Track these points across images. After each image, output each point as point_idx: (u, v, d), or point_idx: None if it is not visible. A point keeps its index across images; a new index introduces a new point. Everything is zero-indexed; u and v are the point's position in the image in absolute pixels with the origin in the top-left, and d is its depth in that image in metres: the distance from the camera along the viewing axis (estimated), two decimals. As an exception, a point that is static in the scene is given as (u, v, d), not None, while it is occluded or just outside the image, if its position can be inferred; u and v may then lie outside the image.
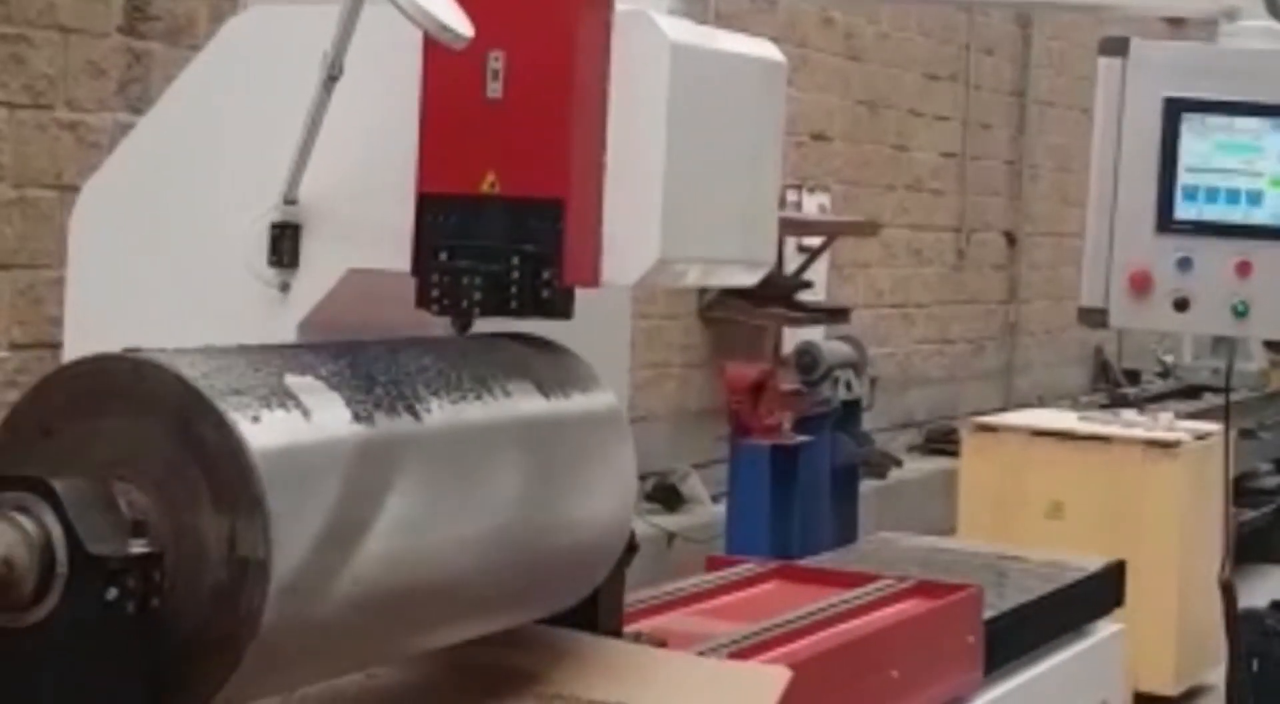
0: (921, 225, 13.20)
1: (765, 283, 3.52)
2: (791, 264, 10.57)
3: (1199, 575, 7.57)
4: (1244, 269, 3.57)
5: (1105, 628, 4.77)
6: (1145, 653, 7.38)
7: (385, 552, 2.54)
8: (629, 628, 3.27)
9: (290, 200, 2.94)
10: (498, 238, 2.83)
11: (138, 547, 2.28)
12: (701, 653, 3.23)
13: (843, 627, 3.68)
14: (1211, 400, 11.80)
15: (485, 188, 2.85)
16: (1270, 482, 12.04)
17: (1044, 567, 4.74)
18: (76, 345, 3.10)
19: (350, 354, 2.66)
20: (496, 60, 2.83)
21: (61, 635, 2.25)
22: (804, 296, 10.48)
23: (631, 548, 3.15)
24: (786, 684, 2.99)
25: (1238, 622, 5.34)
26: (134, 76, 6.71)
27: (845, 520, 8.72)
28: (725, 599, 3.98)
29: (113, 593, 2.24)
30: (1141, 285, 3.58)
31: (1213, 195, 3.59)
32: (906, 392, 12.87)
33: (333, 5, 2.85)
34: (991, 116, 14.14)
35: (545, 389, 2.91)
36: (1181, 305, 3.59)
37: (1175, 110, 3.56)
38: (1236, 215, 3.59)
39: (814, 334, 10.03)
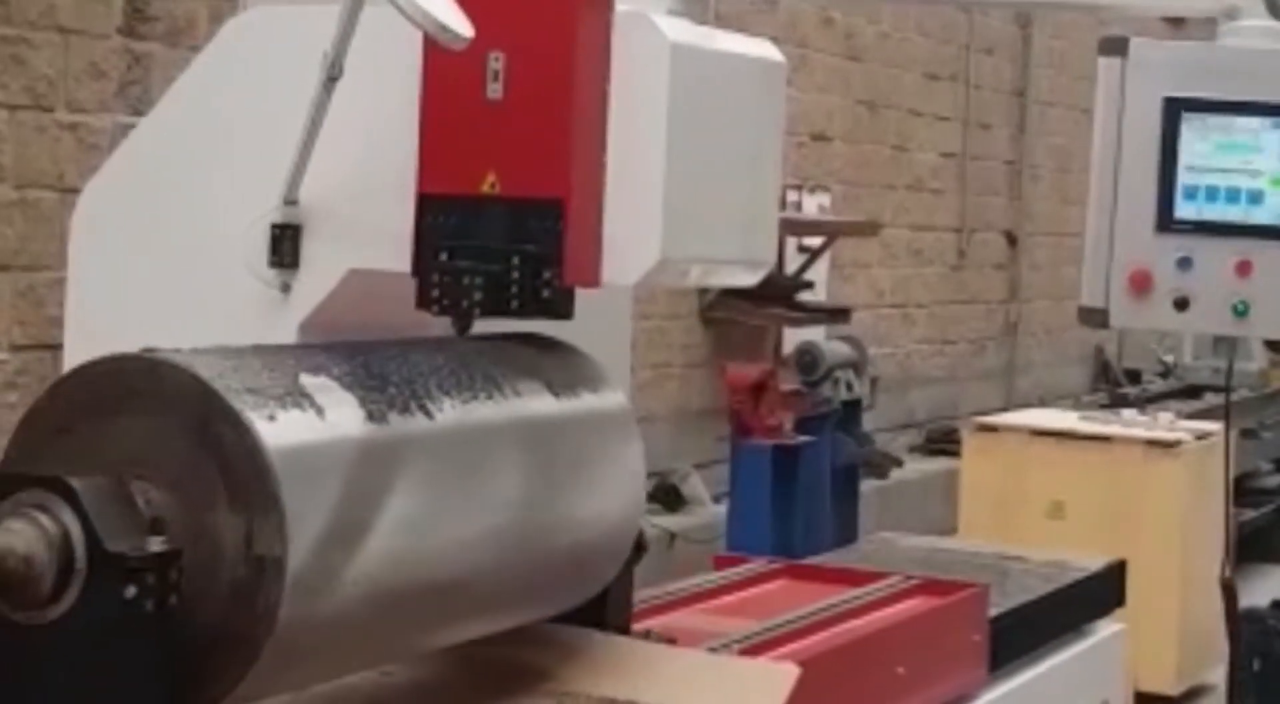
0: (922, 225, 13.20)
1: (766, 283, 3.52)
2: (792, 264, 10.57)
3: (1200, 575, 7.57)
4: (1244, 269, 3.57)
5: (1106, 627, 4.77)
6: (1146, 652, 7.38)
7: (399, 549, 2.56)
8: (638, 626, 3.30)
9: (291, 201, 2.94)
10: (498, 238, 2.83)
11: (156, 544, 2.30)
12: (711, 650, 3.25)
13: (850, 624, 3.70)
14: (1212, 400, 11.81)
15: (485, 188, 2.85)
16: (1271, 481, 12.05)
17: (1045, 566, 4.74)
18: (77, 347, 3.11)
19: (363, 354, 2.68)
20: (496, 61, 2.83)
21: (80, 632, 2.27)
22: (804, 297, 10.48)
23: (640, 546, 3.17)
24: (795, 681, 3.00)
25: (1239, 621, 5.34)
26: (134, 78, 6.71)
27: (846, 520, 8.73)
28: (733, 597, 4.00)
29: (131, 590, 2.26)
30: (1142, 285, 3.58)
31: (1213, 195, 3.58)
32: (907, 392, 12.88)
33: (332, 6, 2.86)
34: (992, 116, 14.15)
35: (555, 389, 2.94)
36: (1182, 305, 3.58)
37: (1175, 110, 3.55)
38: (1237, 215, 3.59)
39: (815, 334, 10.03)
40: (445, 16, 2.69)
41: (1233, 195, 3.59)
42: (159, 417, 2.38)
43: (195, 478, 2.35)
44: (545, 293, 2.82)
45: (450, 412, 2.69)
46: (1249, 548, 10.13)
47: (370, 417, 2.55)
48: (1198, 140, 3.57)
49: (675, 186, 2.90)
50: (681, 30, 2.96)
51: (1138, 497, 8.19)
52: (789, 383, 8.53)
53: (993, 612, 4.09)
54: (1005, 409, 12.05)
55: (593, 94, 2.86)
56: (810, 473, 8.42)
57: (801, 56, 11.03)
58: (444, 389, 2.71)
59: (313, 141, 2.88)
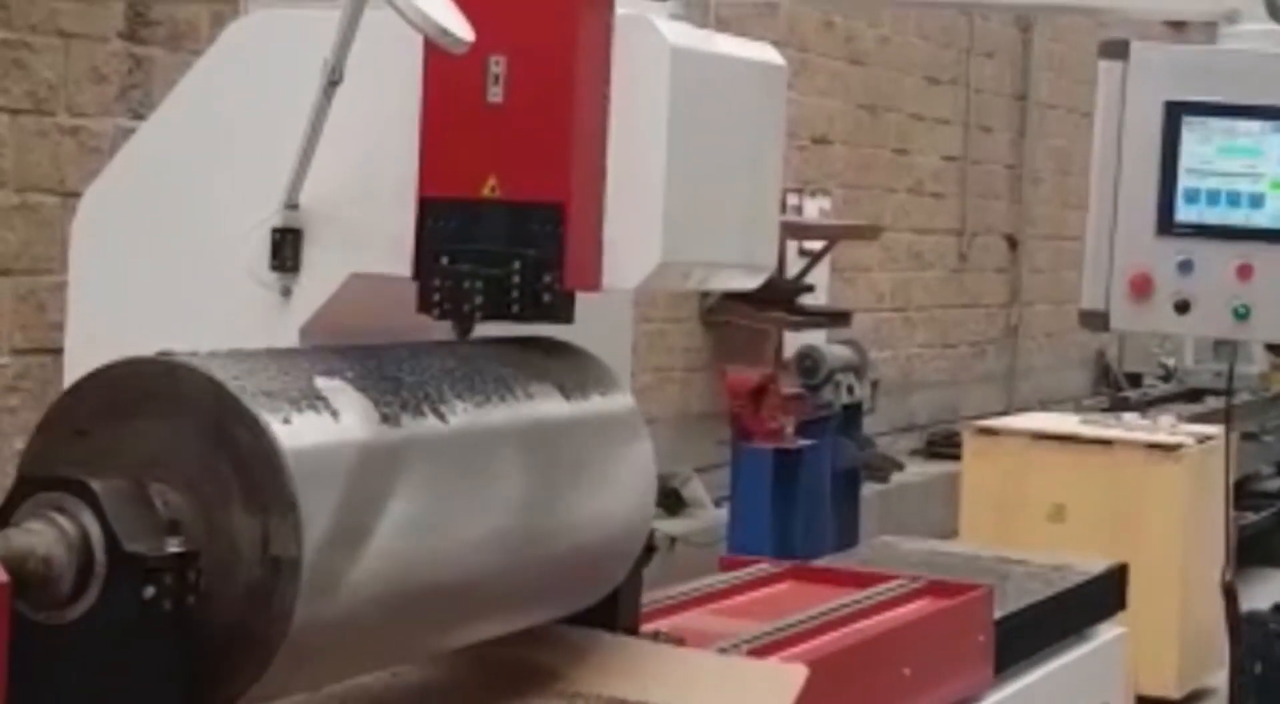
0: (922, 229, 13.21)
1: (766, 286, 3.52)
2: (793, 268, 10.57)
3: (1201, 578, 7.58)
4: (1245, 272, 3.57)
5: (1107, 631, 4.76)
6: (1147, 656, 7.37)
7: (412, 550, 2.58)
8: (647, 627, 3.31)
9: (292, 205, 2.95)
10: (499, 242, 2.83)
11: (174, 545, 2.33)
12: (720, 651, 3.26)
13: (857, 626, 3.71)
14: (1213, 403, 11.81)
15: (486, 192, 2.85)
16: (1272, 484, 12.05)
17: (1046, 570, 4.73)
18: (78, 351, 3.11)
19: (376, 357, 2.70)
20: (497, 65, 2.83)
21: (99, 632, 2.29)
22: (805, 300, 10.49)
23: (650, 547, 3.18)
24: (804, 682, 3.02)
25: (1240, 624, 5.34)
26: (135, 82, 6.71)
27: (847, 524, 8.73)
28: (740, 599, 4.01)
29: (149, 591, 2.29)
30: (1142, 288, 3.58)
31: (1214, 198, 3.58)
32: (908, 395, 12.88)
33: (333, 10, 2.86)
34: (992, 120, 14.15)
35: (566, 391, 2.95)
36: (1182, 308, 3.58)
37: (1176, 113, 3.55)
38: (1238, 218, 3.59)
39: (815, 338, 10.03)
40: (446, 20, 2.69)
41: (1233, 199, 3.59)
42: (176, 419, 2.41)
43: (212, 480, 2.38)
44: (546, 297, 2.83)
45: (462, 414, 2.71)
46: (1250, 551, 10.12)
47: (384, 419, 2.57)
48: (1198, 143, 3.57)
49: (676, 190, 2.90)
50: (682, 34, 2.96)
51: (1139, 500, 8.19)
52: (790, 386, 8.54)
53: (995, 614, 4.09)
54: (1006, 413, 12.06)
55: (593, 98, 2.87)
56: (811, 476, 8.43)
57: (802, 60, 11.03)
58: (456, 392, 2.73)
59: (314, 146, 2.88)
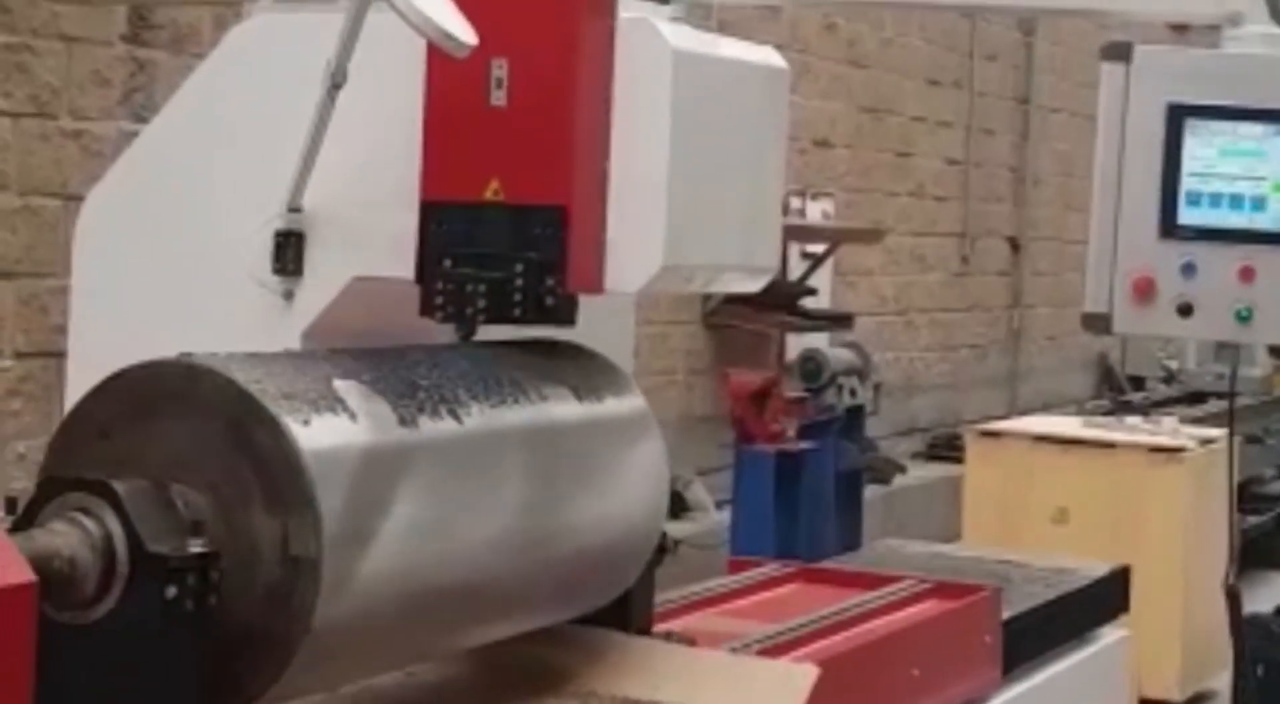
0: (925, 231, 13.20)
1: (769, 289, 3.52)
2: (795, 271, 10.57)
3: (1204, 581, 7.56)
4: (1247, 274, 3.57)
5: (1110, 634, 4.76)
6: (1150, 659, 7.37)
7: (429, 551, 2.61)
8: (658, 627, 3.33)
9: (294, 208, 2.95)
10: (501, 245, 2.83)
11: (196, 546, 2.35)
12: (731, 651, 3.28)
13: (865, 626, 3.73)
14: (1216, 406, 11.80)
15: (489, 195, 2.85)
16: (1275, 487, 12.04)
17: (1049, 572, 4.73)
18: (81, 354, 3.11)
19: (392, 360, 2.72)
20: (500, 68, 2.83)
21: (122, 632, 2.31)
22: (807, 303, 10.48)
23: (662, 548, 3.20)
24: (815, 682, 3.04)
25: (1243, 627, 5.33)
26: (138, 85, 6.72)
27: (849, 527, 8.72)
28: (749, 600, 4.03)
29: (172, 591, 2.31)
30: (1145, 291, 3.58)
31: (1216, 201, 3.59)
32: (910, 398, 12.88)
33: (336, 14, 2.86)
34: (994, 122, 14.15)
35: (579, 393, 2.98)
36: (1185, 311, 3.58)
37: (1178, 116, 3.55)
38: (1240, 221, 3.59)
39: (818, 341, 10.04)
40: (449, 24, 2.69)
41: (1236, 201, 3.59)
42: (197, 421, 2.43)
43: (232, 481, 2.40)
44: (548, 300, 2.83)
45: (478, 416, 2.73)
46: (1253, 554, 10.11)
47: (401, 421, 2.60)
48: (1201, 146, 3.57)
49: (678, 193, 2.91)
50: (684, 37, 2.96)
51: (1141, 503, 8.18)
52: (792, 389, 8.54)
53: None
54: (1008, 415, 12.05)
55: (595, 101, 2.87)
56: (813, 479, 8.42)
57: (804, 63, 11.03)
58: (471, 393, 2.75)
59: (316, 148, 2.88)
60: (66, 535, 2.31)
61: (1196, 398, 12.96)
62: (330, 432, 2.47)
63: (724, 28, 3.39)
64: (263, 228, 2.96)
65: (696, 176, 2.95)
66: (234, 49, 3.12)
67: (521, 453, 2.81)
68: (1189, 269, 3.58)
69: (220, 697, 2.38)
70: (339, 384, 2.55)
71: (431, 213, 2.87)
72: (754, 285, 3.30)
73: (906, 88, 12.77)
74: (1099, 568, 4.89)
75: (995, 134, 14.17)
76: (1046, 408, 13.31)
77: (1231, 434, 5.62)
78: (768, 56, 3.23)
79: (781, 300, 10.06)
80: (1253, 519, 10.93)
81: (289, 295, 2.97)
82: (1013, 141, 14.50)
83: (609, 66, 2.88)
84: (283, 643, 2.39)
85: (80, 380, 3.06)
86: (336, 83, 2.84)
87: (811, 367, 8.72)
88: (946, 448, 12.09)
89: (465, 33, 2.71)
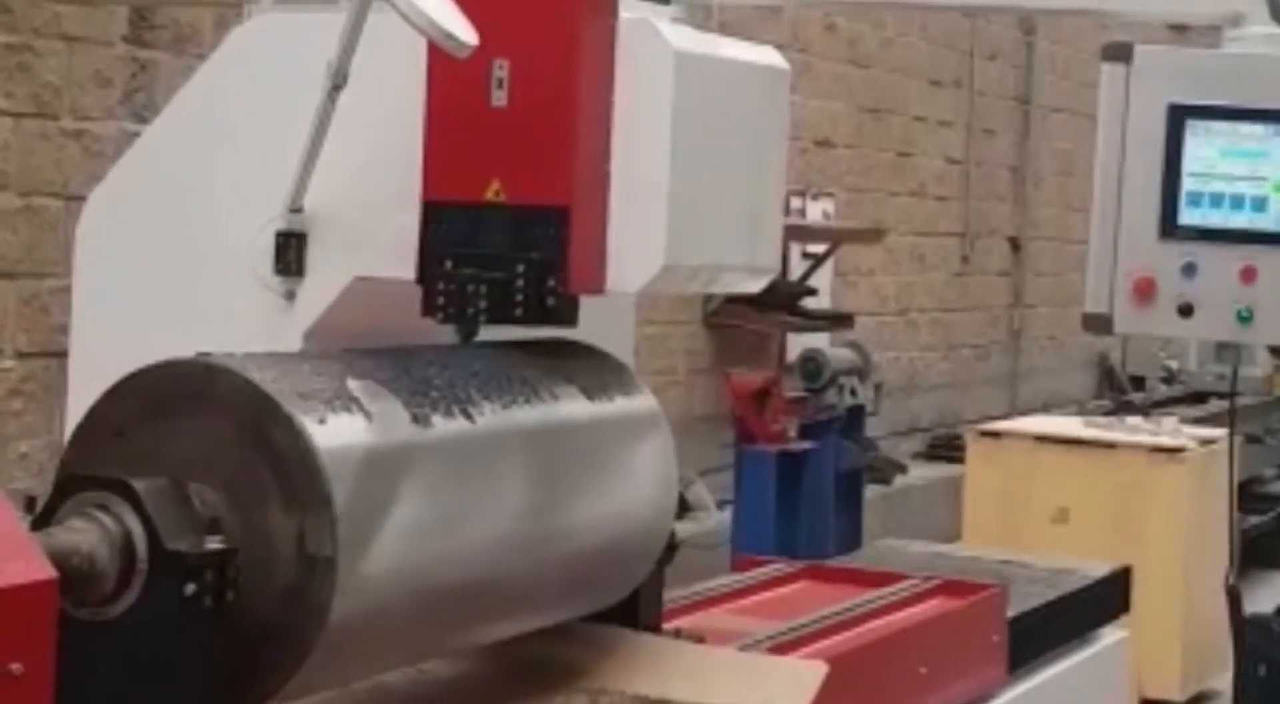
0: (925, 231, 13.20)
1: (769, 289, 3.52)
2: (796, 270, 10.57)
3: (1205, 581, 7.57)
4: (1248, 275, 3.57)
5: (1111, 634, 4.76)
6: (1151, 659, 7.38)
7: (443, 548, 2.63)
8: (667, 625, 3.35)
9: (296, 209, 2.95)
10: (502, 246, 2.83)
11: (214, 543, 2.37)
12: (741, 648, 3.29)
13: (873, 624, 3.74)
14: (1217, 406, 11.81)
15: (490, 196, 2.85)
16: (1276, 487, 12.04)
17: (1050, 573, 4.74)
18: (83, 354, 3.12)
19: (405, 360, 2.75)
20: (501, 68, 2.83)
21: (140, 629, 2.34)
22: (808, 303, 10.48)
23: (672, 547, 3.21)
24: (823, 678, 3.05)
25: (1243, 627, 5.34)
26: (139, 85, 6.72)
27: (850, 527, 8.73)
28: (757, 598, 4.05)
29: (190, 588, 2.33)
30: (1146, 291, 3.58)
31: (1217, 201, 3.59)
32: (911, 398, 12.88)
33: (337, 14, 2.86)
34: (995, 122, 14.15)
35: (589, 393, 3.00)
36: (1186, 311, 3.59)
37: (1179, 116, 3.55)
38: (1241, 221, 3.59)
39: (818, 341, 10.04)
40: (450, 24, 2.70)
41: (1237, 202, 3.59)
42: (214, 420, 2.45)
43: (249, 479, 2.43)
44: (549, 300, 2.83)
45: (490, 415, 2.75)
46: (1254, 554, 10.12)
47: (415, 420, 2.62)
48: (1202, 147, 3.57)
49: (679, 193, 2.91)
50: (685, 37, 2.96)
51: (1142, 503, 8.19)
52: (792, 389, 8.54)
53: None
54: (1009, 415, 12.05)
55: (597, 101, 2.87)
56: (814, 479, 8.43)
57: (805, 63, 11.03)
58: (484, 393, 2.77)
59: (318, 149, 2.88)
60: (86, 533, 2.33)
61: (1197, 398, 12.97)
62: (345, 431, 2.49)
63: (725, 28, 3.39)
64: (264, 228, 2.97)
65: (697, 177, 2.95)
66: (235, 49, 3.12)
67: (533, 452, 2.84)
68: (1190, 269, 3.58)
69: (237, 692, 2.40)
70: (353, 384, 2.57)
71: (433, 213, 2.87)
72: (755, 285, 3.30)
73: (907, 88, 12.77)
74: (1100, 568, 4.89)
75: (996, 134, 14.17)
76: (1047, 408, 13.31)
77: (1232, 434, 5.63)
78: (768, 57, 3.23)
79: (782, 300, 10.06)
80: (1253, 519, 10.93)
81: (290, 296, 2.97)
82: (1013, 141, 14.50)
83: (610, 67, 2.89)
84: (299, 639, 2.41)
85: (82, 380, 3.08)
86: (338, 83, 2.84)
87: (812, 366, 8.72)
88: (947, 448, 12.09)
89: (466, 33, 2.71)
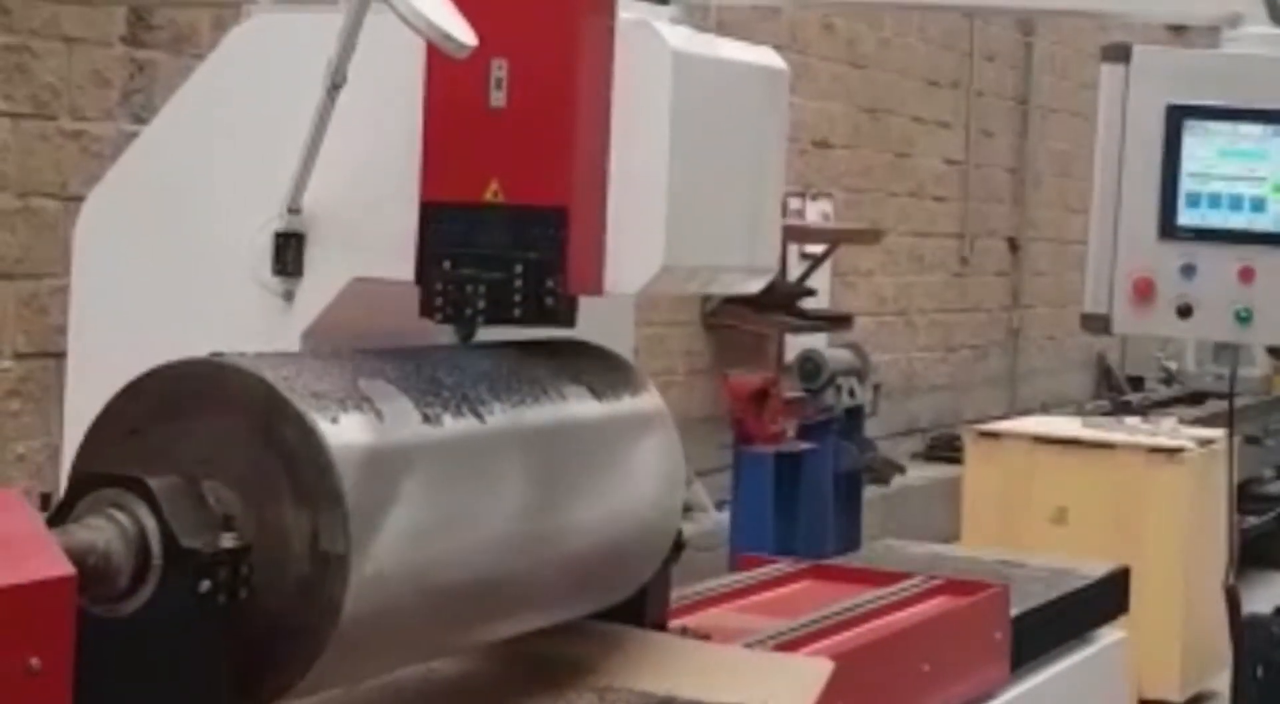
0: (924, 232, 13.21)
1: (768, 290, 3.52)
2: (794, 271, 10.57)
3: (1203, 582, 7.57)
4: (1247, 275, 3.57)
5: (1110, 634, 4.77)
6: (1150, 659, 7.38)
7: (453, 546, 2.65)
8: (674, 623, 3.37)
9: (294, 209, 2.95)
10: (501, 246, 2.83)
11: (228, 541, 2.39)
12: (747, 646, 3.31)
13: (878, 622, 3.76)
14: (1215, 406, 11.80)
15: (488, 196, 2.85)
16: (1274, 488, 12.04)
17: (1048, 573, 4.74)
18: (80, 354, 3.11)
19: (415, 359, 2.76)
20: (500, 69, 2.83)
21: (155, 625, 2.35)
22: (807, 304, 10.48)
23: (679, 545, 3.22)
24: (829, 675, 3.07)
25: (1242, 628, 5.34)
26: (137, 86, 6.72)
27: (848, 527, 8.73)
28: (761, 596, 4.06)
29: (205, 585, 2.35)
30: (1144, 292, 3.58)
31: (1215, 201, 3.59)
32: (909, 398, 12.88)
33: (336, 14, 2.86)
34: (994, 123, 14.15)
35: (597, 392, 3.01)
36: (1185, 312, 3.59)
37: (1178, 117, 3.56)
38: (1240, 221, 3.59)
39: (817, 341, 10.04)
40: (449, 25, 2.70)
41: (1235, 202, 3.59)
42: (227, 418, 2.47)
43: (262, 477, 2.44)
44: (548, 301, 2.83)
45: (499, 414, 2.77)
46: (1252, 555, 10.12)
47: (425, 419, 2.64)
48: (1200, 147, 3.57)
49: (678, 194, 2.91)
50: (684, 38, 2.96)
51: (1141, 503, 8.19)
52: (791, 390, 8.54)
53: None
54: (1007, 416, 12.05)
55: (595, 102, 2.87)
56: (812, 480, 8.42)
57: (804, 64, 11.03)
58: (493, 392, 2.79)
59: (316, 149, 2.88)
60: (102, 530, 2.35)
61: (1196, 398, 12.97)
62: (357, 429, 2.51)
63: (723, 28, 3.39)
64: (262, 228, 2.96)
65: (696, 177, 2.95)
66: (233, 50, 3.12)
67: (542, 451, 2.86)
68: (1188, 270, 3.58)
69: (250, 688, 2.42)
70: (364, 383, 2.59)
71: (431, 214, 2.87)
72: (753, 286, 3.30)
73: (906, 88, 12.77)
74: (1098, 568, 4.89)
75: (994, 134, 14.17)
76: (1046, 408, 13.31)
77: (1231, 434, 5.63)
78: (767, 57, 3.23)
79: (780, 301, 10.06)
80: (1252, 519, 10.93)
81: (289, 296, 2.97)
82: (1012, 142, 14.50)
83: (608, 68, 2.89)
84: (312, 636, 2.43)
85: (80, 381, 3.08)
86: (336, 83, 2.84)
87: (810, 367, 8.72)
88: (945, 448, 12.09)
89: (465, 34, 2.71)
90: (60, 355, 3.32)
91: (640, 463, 3.09)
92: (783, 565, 4.34)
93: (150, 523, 2.36)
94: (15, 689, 2.09)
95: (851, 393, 8.82)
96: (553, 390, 2.91)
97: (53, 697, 2.15)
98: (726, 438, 8.58)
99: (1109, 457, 8.41)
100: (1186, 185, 3.57)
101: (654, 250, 2.90)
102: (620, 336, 3.48)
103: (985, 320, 14.23)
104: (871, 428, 9.41)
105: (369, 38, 2.83)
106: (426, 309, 2.86)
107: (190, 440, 2.46)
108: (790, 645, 3.38)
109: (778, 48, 3.37)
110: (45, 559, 2.18)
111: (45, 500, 2.43)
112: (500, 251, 2.83)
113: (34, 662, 2.11)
